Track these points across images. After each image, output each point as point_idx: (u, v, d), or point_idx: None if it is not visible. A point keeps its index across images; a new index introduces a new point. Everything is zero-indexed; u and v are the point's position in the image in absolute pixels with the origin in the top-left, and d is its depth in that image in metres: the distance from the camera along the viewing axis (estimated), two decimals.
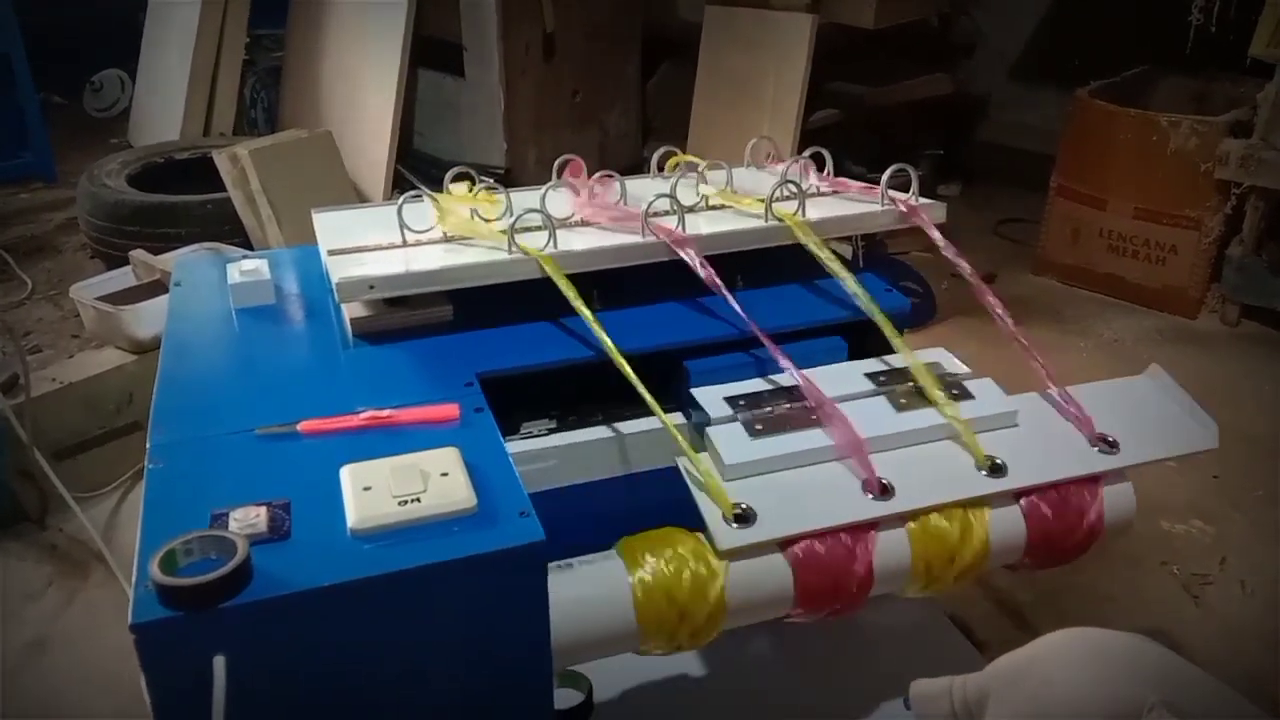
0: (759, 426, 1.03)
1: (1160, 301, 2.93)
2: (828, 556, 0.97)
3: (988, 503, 1.04)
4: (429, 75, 3.49)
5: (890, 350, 1.15)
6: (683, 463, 0.98)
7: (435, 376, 1.07)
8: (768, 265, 1.26)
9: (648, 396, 0.99)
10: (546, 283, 1.10)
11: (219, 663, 0.74)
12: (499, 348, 1.13)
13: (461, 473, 0.88)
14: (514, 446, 1.04)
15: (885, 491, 0.98)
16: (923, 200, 1.32)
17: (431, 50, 3.41)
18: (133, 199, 2.89)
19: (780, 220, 1.23)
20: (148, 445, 0.94)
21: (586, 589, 0.94)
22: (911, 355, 1.11)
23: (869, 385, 1.11)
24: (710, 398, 1.06)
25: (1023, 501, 1.06)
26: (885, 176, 1.29)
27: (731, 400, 1.07)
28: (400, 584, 0.79)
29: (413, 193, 1.25)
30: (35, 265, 3.20)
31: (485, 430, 0.98)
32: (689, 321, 1.19)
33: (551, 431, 1.12)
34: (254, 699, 0.76)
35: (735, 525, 0.93)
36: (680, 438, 0.98)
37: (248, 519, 0.82)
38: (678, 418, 1.12)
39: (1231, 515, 2.03)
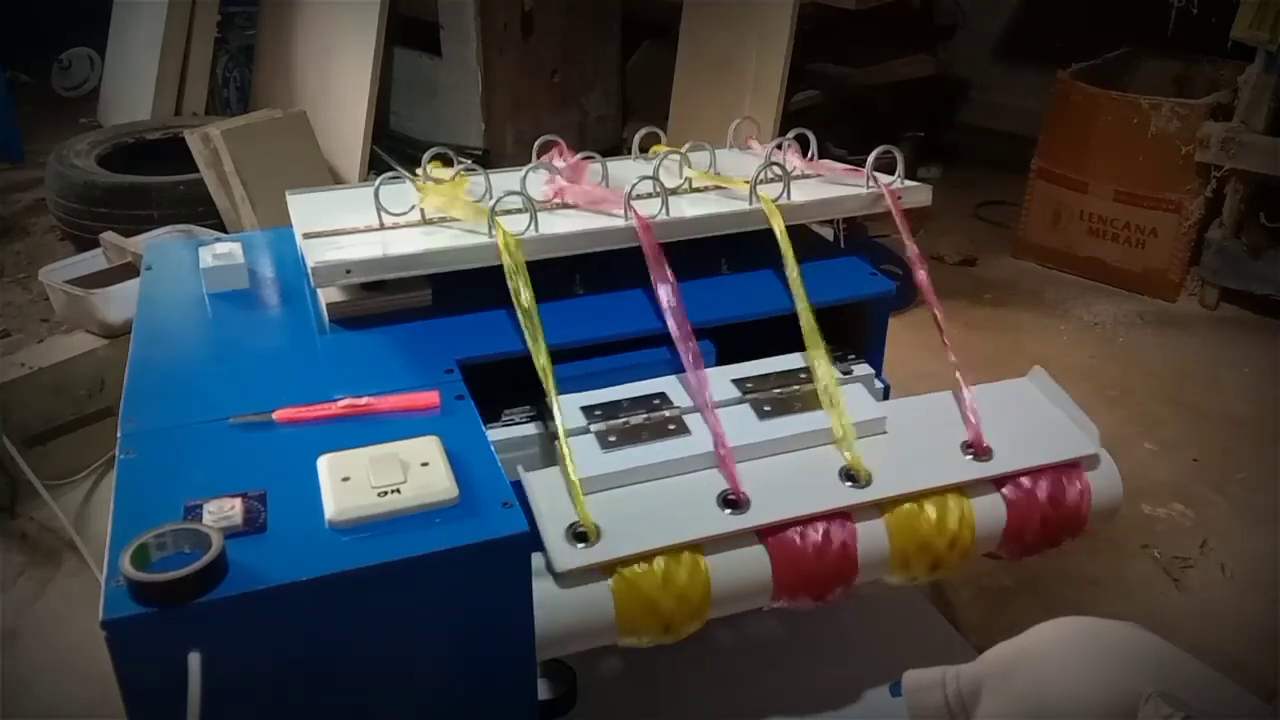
0: (613, 438, 1.00)
1: (1140, 284, 2.94)
2: (809, 547, 0.96)
3: (967, 493, 1.03)
4: (405, 54, 3.44)
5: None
6: (524, 476, 0.96)
7: (414, 363, 1.05)
8: (753, 248, 1.24)
9: (555, 403, 0.97)
10: (529, 265, 1.08)
11: (194, 659, 0.72)
12: (480, 333, 1.10)
13: (442, 462, 0.86)
14: (496, 435, 1.02)
15: (741, 504, 0.96)
16: (908, 183, 1.30)
17: (408, 28, 3.36)
18: (103, 180, 2.84)
19: (761, 204, 1.22)
20: (119, 434, 0.92)
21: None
22: (825, 360, 1.08)
23: (735, 392, 1.09)
24: (565, 408, 1.03)
25: (1004, 492, 1.05)
26: (870, 159, 1.27)
27: (588, 410, 1.04)
28: (380, 577, 0.77)
29: (390, 174, 1.22)
30: (3, 247, 3.13)
31: (466, 418, 0.96)
32: (642, 312, 1.15)
33: (533, 419, 1.10)
34: (230, 696, 0.75)
35: (577, 544, 0.91)
36: (567, 450, 0.95)
37: (222, 511, 0.80)
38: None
39: (1212, 498, 2.04)
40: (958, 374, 1.11)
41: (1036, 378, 1.16)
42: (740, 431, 1.02)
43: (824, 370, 1.08)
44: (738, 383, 1.10)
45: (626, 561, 0.92)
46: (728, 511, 0.96)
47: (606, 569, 0.91)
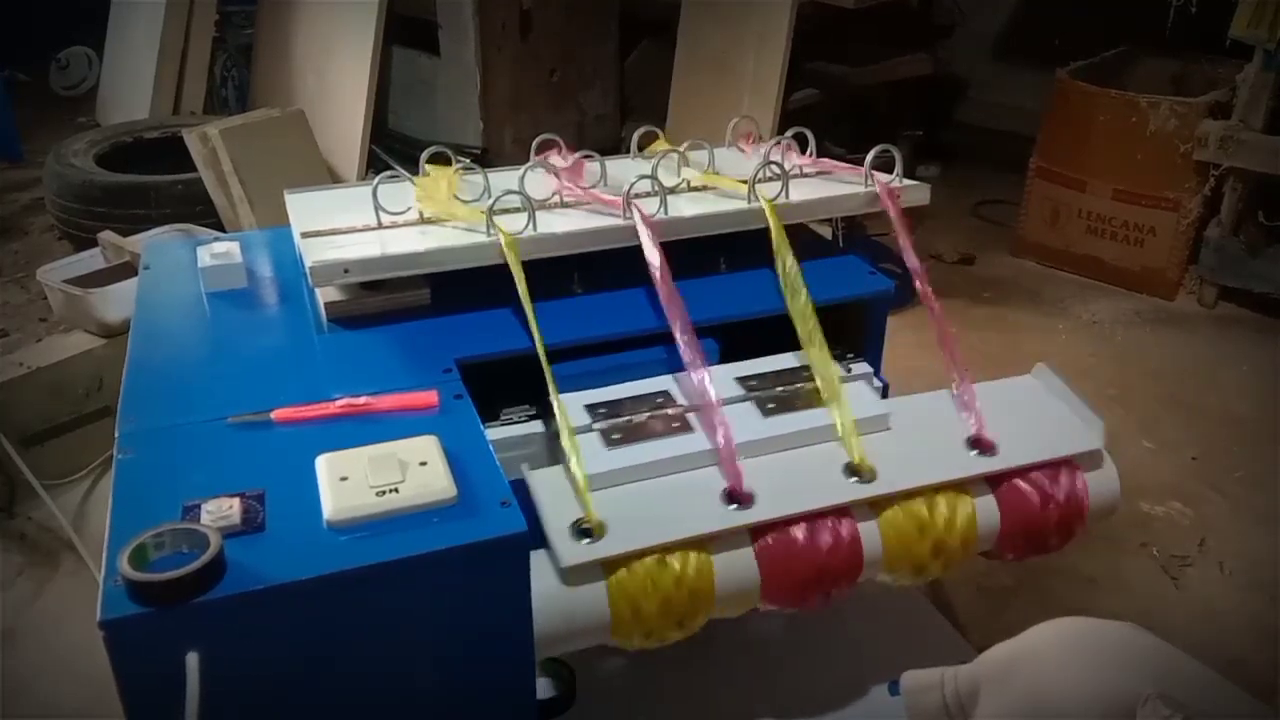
0: (617, 436, 1.00)
1: (1139, 283, 2.94)
2: (814, 544, 0.96)
3: (968, 490, 1.03)
4: (403, 53, 3.44)
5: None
6: (529, 474, 0.96)
7: (413, 362, 1.05)
8: (751, 247, 1.24)
9: (556, 402, 0.97)
10: (527, 265, 1.08)
11: (192, 659, 0.72)
12: (478, 332, 1.10)
13: (441, 462, 0.86)
14: (494, 434, 1.02)
15: (745, 500, 0.96)
16: (906, 182, 1.30)
17: (406, 27, 3.36)
18: (101, 179, 2.84)
19: (760, 203, 1.21)
20: (117, 434, 0.92)
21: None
22: (826, 357, 1.08)
23: (739, 390, 1.09)
24: (569, 406, 1.03)
25: (1000, 490, 1.05)
26: (869, 158, 1.27)
27: (592, 408, 1.04)
28: (379, 577, 0.77)
29: (388, 173, 1.22)
30: (1, 247, 3.13)
31: (465, 418, 0.96)
32: (645, 310, 1.15)
33: (532, 418, 1.10)
34: (228, 696, 0.74)
35: (581, 540, 0.91)
36: (574, 448, 0.95)
37: (220, 511, 0.80)
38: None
39: (1210, 497, 2.04)
40: (954, 372, 1.10)
41: (1041, 374, 1.16)
42: (744, 428, 1.02)
43: (827, 368, 1.08)
44: (741, 380, 1.10)
45: (628, 559, 0.92)
46: (733, 507, 0.95)
47: (605, 567, 0.91)
